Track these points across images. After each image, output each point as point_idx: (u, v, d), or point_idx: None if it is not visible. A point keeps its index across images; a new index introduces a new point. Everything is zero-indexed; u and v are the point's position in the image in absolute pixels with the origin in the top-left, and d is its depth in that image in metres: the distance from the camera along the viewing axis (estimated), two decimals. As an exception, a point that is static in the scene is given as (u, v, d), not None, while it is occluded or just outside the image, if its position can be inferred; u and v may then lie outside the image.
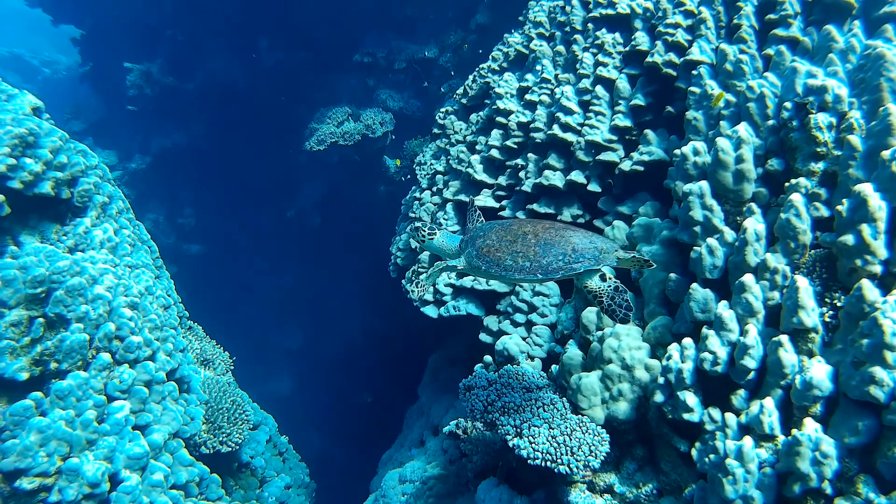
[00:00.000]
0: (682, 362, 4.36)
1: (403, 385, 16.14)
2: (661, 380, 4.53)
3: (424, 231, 4.75)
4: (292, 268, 19.18)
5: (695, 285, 4.59)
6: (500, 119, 6.99)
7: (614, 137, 6.13)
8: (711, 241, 4.59)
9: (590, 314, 5.41)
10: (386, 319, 17.76)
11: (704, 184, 4.73)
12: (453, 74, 14.62)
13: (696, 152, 5.04)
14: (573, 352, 5.35)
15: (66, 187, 6.10)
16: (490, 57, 8.19)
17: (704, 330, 4.32)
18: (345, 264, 18.18)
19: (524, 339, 6.16)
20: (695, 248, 4.73)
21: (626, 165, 5.97)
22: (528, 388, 5.31)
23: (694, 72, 5.67)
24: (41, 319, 4.97)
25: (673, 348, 4.51)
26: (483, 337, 6.57)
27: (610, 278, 4.35)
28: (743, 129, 4.75)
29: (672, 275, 4.94)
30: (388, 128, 14.18)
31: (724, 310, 4.27)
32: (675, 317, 4.95)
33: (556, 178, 6.24)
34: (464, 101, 8.08)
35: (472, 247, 4.55)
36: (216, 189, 19.02)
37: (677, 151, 5.24)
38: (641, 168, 5.88)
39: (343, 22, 16.16)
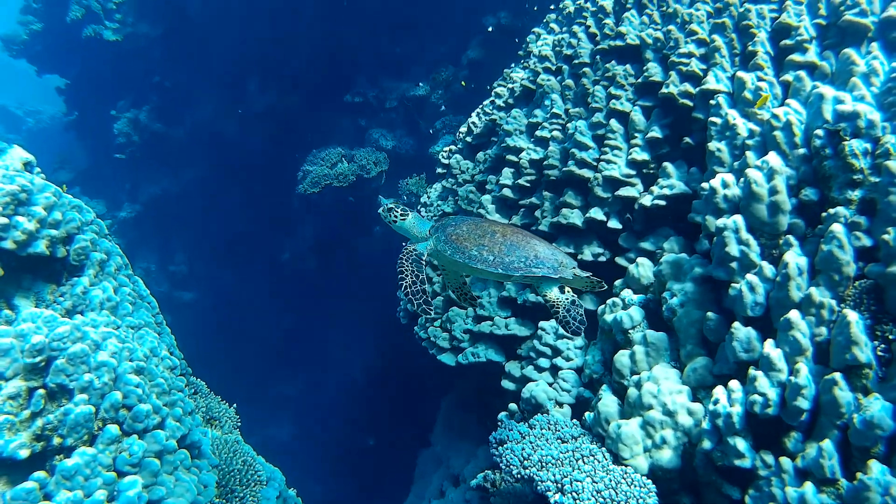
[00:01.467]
0: (731, 406, 4.13)
1: (408, 427, 15.87)
2: (706, 424, 4.28)
3: (397, 212, 4.96)
4: (288, 312, 18.85)
5: (736, 325, 4.36)
6: (510, 157, 6.78)
7: (632, 172, 5.92)
8: (752, 277, 4.36)
9: (622, 358, 5.17)
10: (387, 360, 17.52)
11: (739, 218, 4.52)
12: (445, 111, 14.49)
13: (725, 185, 4.83)
14: (608, 398, 5.10)
15: (61, 245, 5.82)
16: (493, 93, 8.01)
17: (752, 371, 4.09)
18: (342, 307, 17.88)
19: (550, 384, 5.90)
20: (733, 285, 4.51)
21: (647, 200, 5.76)
22: (563, 439, 5.05)
23: (712, 101, 5.49)
24: (42, 391, 4.66)
25: (719, 392, 4.27)
26: (506, 384, 6.31)
27: (568, 291, 4.63)
28: (774, 159, 4.56)
29: (710, 314, 4.70)
30: (382, 167, 13.99)
31: (771, 349, 4.05)
32: (715, 357, 4.71)
33: (574, 217, 6.02)
34: (469, 139, 7.88)
35: (441, 232, 4.79)
36: (208, 235, 18.75)
37: (705, 185, 5.04)
38: (664, 203, 5.67)
39: (332, 63, 16.05)
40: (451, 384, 8.34)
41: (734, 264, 4.51)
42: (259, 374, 19.26)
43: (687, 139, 5.80)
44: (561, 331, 6.02)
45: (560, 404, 5.78)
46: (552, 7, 9.89)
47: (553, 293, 4.61)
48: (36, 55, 19.02)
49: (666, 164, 5.78)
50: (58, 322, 4.79)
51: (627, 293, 5.61)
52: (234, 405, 7.94)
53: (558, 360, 5.99)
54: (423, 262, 4.81)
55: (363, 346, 18.29)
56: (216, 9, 16.05)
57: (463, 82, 9.93)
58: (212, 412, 7.45)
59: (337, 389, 18.83)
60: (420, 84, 14.86)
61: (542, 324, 6.14)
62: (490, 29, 13.06)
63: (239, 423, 7.95)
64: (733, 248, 4.50)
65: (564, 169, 6.11)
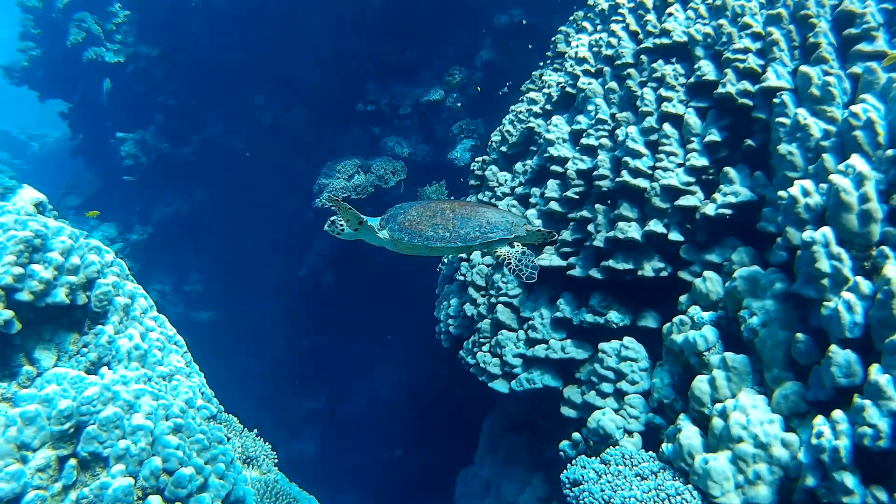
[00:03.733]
0: (837, 438, 3.71)
1: (439, 439, 15.55)
2: (805, 457, 3.87)
3: (340, 223, 5.12)
4: (308, 327, 18.52)
5: (834, 348, 3.93)
6: (555, 168, 6.32)
7: (691, 179, 5.48)
8: (849, 295, 3.92)
9: (701, 384, 4.74)
10: (414, 373, 17.27)
11: (828, 231, 4.09)
12: (461, 115, 14.09)
13: (805, 193, 4.40)
14: (689, 429, 4.68)
15: (81, 292, 5.42)
16: (525, 99, 7.57)
17: (858, 400, 3.67)
18: (362, 320, 17.55)
19: (616, 411, 5.49)
20: (825, 304, 4.08)
21: (710, 210, 5.32)
22: (642, 476, 4.64)
23: (775, 100, 5.06)
24: (73, 460, 4.27)
25: (821, 424, 3.84)
26: (566, 411, 5.90)
27: (517, 245, 4.97)
28: (861, 163, 4.14)
29: (799, 335, 4.26)
30: (400, 176, 13.58)
31: (878, 375, 3.62)
32: (807, 382, 4.28)
33: (632, 231, 5.57)
34: (504, 149, 7.42)
35: (393, 222, 5.01)
36: (222, 253, 18.45)
37: (783, 193, 4.60)
38: (729, 212, 5.23)
39: (340, 72, 15.65)
40: (490, 401, 7.91)
41: (825, 281, 4.08)
42: (280, 389, 18.99)
43: (748, 141, 5.36)
44: (624, 353, 5.62)
45: (630, 433, 5.37)
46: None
47: (503, 249, 4.96)
48: (37, 81, 18.73)
49: (727, 169, 5.34)
50: (86, 383, 4.41)
51: (695, 310, 5.19)
52: (262, 439, 7.60)
53: (623, 385, 5.57)
54: (370, 227, 5.01)
55: (387, 358, 18.00)
56: (218, 24, 15.68)
57: (478, 88, 9.54)
58: (248, 451, 7.09)
59: (362, 402, 18.55)
60: (434, 88, 14.44)
61: (602, 346, 5.72)
62: (519, 20, 12.60)
63: (276, 460, 7.62)
64: (824, 264, 4.06)
65: (618, 179, 5.66)
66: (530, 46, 8.97)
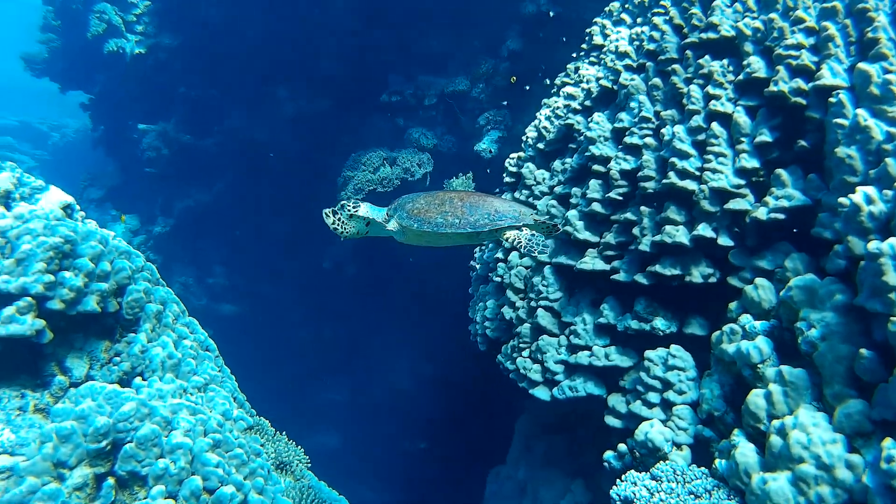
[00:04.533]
0: (912, 464, 3.53)
1: (461, 429, 15.44)
2: (870, 481, 3.68)
3: (349, 206, 5.16)
4: (330, 319, 18.43)
5: (905, 365, 3.74)
6: (596, 167, 6.09)
7: (741, 181, 5.25)
8: (920, 310, 3.73)
9: (757, 399, 4.54)
10: (435, 363, 17.18)
11: (897, 241, 3.88)
12: (487, 106, 13.87)
13: (869, 200, 4.18)
14: (745, 446, 4.49)
15: (112, 298, 5.30)
16: (562, 94, 7.33)
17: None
18: (385, 313, 17.44)
19: (664, 422, 5.30)
20: (892, 318, 3.86)
21: (761, 214, 5.09)
22: (696, 494, 4.46)
23: (831, 99, 4.82)
24: (111, 479, 4.15)
25: (892, 447, 3.65)
26: (610, 421, 5.71)
27: (525, 230, 5.05)
28: (932, 167, 3.92)
29: (864, 351, 4.05)
30: (426, 168, 13.40)
31: (954, 395, 3.44)
32: (872, 400, 4.08)
33: (680, 235, 5.36)
34: (540, 146, 7.19)
35: (401, 210, 5.10)
36: (245, 246, 18.35)
37: (843, 200, 4.36)
38: (782, 216, 5.01)
39: (363, 62, 15.46)
40: (519, 395, 7.74)
41: (893, 295, 3.87)
42: (303, 382, 18.97)
43: (801, 142, 5.12)
44: (671, 361, 5.43)
45: (678, 446, 5.19)
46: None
47: (512, 232, 5.03)
48: (58, 73, 18.70)
49: (779, 171, 5.12)
50: (122, 398, 4.27)
51: (747, 318, 4.98)
52: (294, 442, 7.48)
53: (670, 395, 5.37)
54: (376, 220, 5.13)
55: (410, 351, 17.91)
56: (238, 15, 15.51)
57: (512, 78, 9.33)
58: (281, 456, 6.96)
59: (384, 395, 18.49)
60: (459, 78, 14.22)
61: (648, 354, 5.52)
62: (547, 10, 12.33)
63: (309, 464, 7.50)
64: (892, 277, 3.85)
65: (664, 181, 5.44)
66: (564, 39, 8.71)
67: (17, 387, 4.90)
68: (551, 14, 10.26)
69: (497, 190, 10.66)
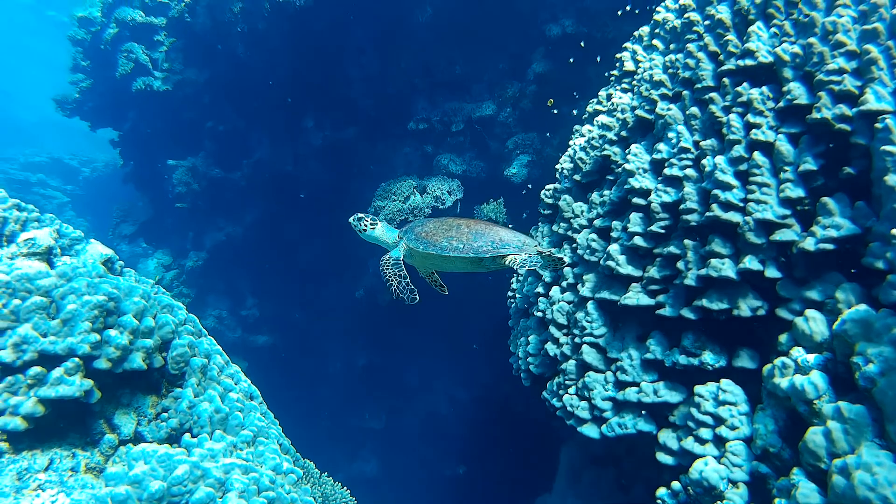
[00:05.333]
0: (983, 508, 3.40)
1: (499, 454, 15.35)
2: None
3: (367, 221, 5.73)
4: (365, 347, 18.44)
5: (972, 404, 3.62)
6: (637, 200, 6.00)
7: (787, 211, 5.14)
8: None
9: (816, 437, 4.42)
10: (469, 390, 17.16)
11: (959, 273, 3.78)
12: (515, 129, 13.84)
13: (927, 231, 4.08)
14: (806, 486, 4.36)
15: (157, 354, 5.31)
16: (596, 123, 7.26)
17: None
18: (419, 338, 17.41)
19: (718, 458, 5.19)
20: (959, 354, 3.75)
21: (809, 244, 4.98)
22: (757, 539, 4.36)
23: (877, 125, 4.71)
24: (167, 544, 4.13)
25: (963, 490, 3.53)
26: (661, 458, 5.60)
27: (524, 255, 5.24)
28: None
29: (929, 387, 3.95)
30: (457, 196, 13.37)
31: None
32: (939, 438, 3.96)
33: (727, 268, 5.25)
34: (577, 177, 7.11)
35: (411, 233, 5.49)
36: (277, 276, 18.44)
37: (896, 231, 4.27)
38: (831, 246, 4.90)
39: (389, 90, 15.52)
40: (555, 418, 7.63)
41: (957, 327, 3.76)
42: (339, 410, 18.99)
43: (847, 169, 5.01)
44: (722, 396, 5.32)
45: (735, 483, 5.07)
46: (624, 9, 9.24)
47: (509, 255, 5.22)
48: (88, 112, 18.99)
49: (825, 199, 5.00)
50: (174, 461, 4.24)
51: (799, 352, 4.87)
52: (340, 484, 7.44)
53: (722, 430, 5.26)
54: (402, 263, 5.57)
55: (446, 377, 17.89)
56: (263, 48, 15.63)
57: (550, 101, 9.30)
58: (328, 500, 6.94)
59: (421, 421, 18.47)
60: (485, 103, 14.21)
61: (698, 389, 5.41)
62: (572, 31, 12.32)
63: (353, 501, 7.48)
64: (955, 309, 3.75)
65: (708, 214, 5.34)
66: (599, 59, 8.65)
67: (68, 446, 4.91)
68: (582, 44, 10.18)
69: (525, 215, 10.64)
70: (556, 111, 11.98)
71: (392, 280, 5.52)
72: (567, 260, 5.13)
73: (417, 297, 5.46)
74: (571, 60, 11.72)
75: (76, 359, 4.70)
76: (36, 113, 53.17)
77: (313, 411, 18.26)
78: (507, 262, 5.27)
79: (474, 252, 5.20)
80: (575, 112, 11.84)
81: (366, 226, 5.82)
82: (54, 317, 4.92)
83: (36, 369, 4.62)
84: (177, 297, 16.23)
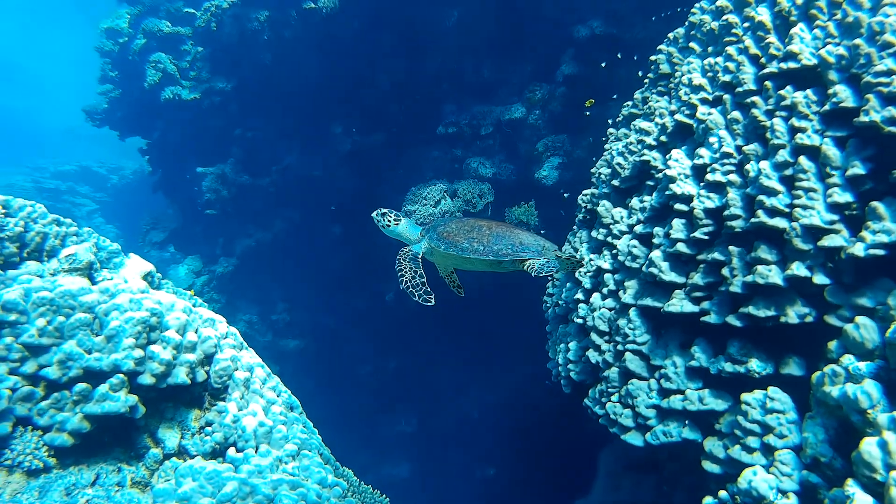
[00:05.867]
0: None
1: (536, 457, 15.32)
2: None
3: (391, 217, 5.96)
4: (395, 351, 18.46)
5: None
6: (679, 206, 5.92)
7: (835, 217, 5.05)
8: None
9: (870, 447, 4.33)
10: (498, 393, 17.11)
11: None
12: (545, 132, 13.78)
13: (982, 235, 3.99)
14: (861, 498, 4.27)
15: (200, 368, 5.33)
16: (633, 127, 7.20)
17: None
18: (450, 342, 17.40)
19: (766, 468, 5.11)
20: None
21: (859, 250, 4.89)
22: (812, 550, 4.29)
23: (928, 127, 4.64)
24: (217, 561, 4.13)
25: None
26: (708, 466, 5.52)
27: (542, 258, 5.42)
28: None
29: None
30: (487, 199, 13.33)
31: None
32: None
33: (774, 275, 5.17)
34: (615, 182, 7.03)
35: (433, 232, 5.67)
36: (306, 282, 18.51)
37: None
38: (882, 252, 4.81)
39: (416, 95, 15.52)
40: (588, 420, 7.56)
41: None
42: (369, 414, 19.03)
43: (896, 173, 4.93)
44: (769, 404, 5.25)
45: (785, 493, 5.00)
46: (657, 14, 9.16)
47: (528, 260, 5.38)
48: (117, 121, 19.16)
49: (875, 203, 4.91)
50: (222, 477, 4.24)
51: (850, 360, 4.77)
52: (379, 492, 7.43)
53: (771, 439, 5.18)
54: (419, 260, 5.77)
55: (477, 380, 17.87)
56: (290, 55, 15.70)
57: (589, 102, 9.24)
58: (369, 508, 6.94)
59: (453, 424, 18.45)
60: (514, 106, 14.16)
61: (745, 397, 5.33)
62: (601, 32, 12.25)
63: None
64: None
65: (753, 220, 5.26)
66: (629, 57, 8.56)
67: (113, 461, 4.94)
68: (619, 56, 10.05)
69: (563, 213, 10.55)
70: (588, 114, 11.90)
71: (406, 273, 5.74)
72: (582, 257, 5.57)
73: (433, 300, 5.65)
74: (603, 65, 11.63)
75: (121, 375, 4.74)
76: (64, 121, 53.90)
77: (342, 414, 18.32)
78: (525, 267, 5.42)
79: (494, 255, 5.32)
80: (609, 117, 11.78)
81: (389, 221, 6.03)
82: (98, 333, 4.95)
83: (81, 386, 4.66)
84: (207, 302, 16.31)
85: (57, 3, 58.03)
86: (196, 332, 5.40)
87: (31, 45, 68.69)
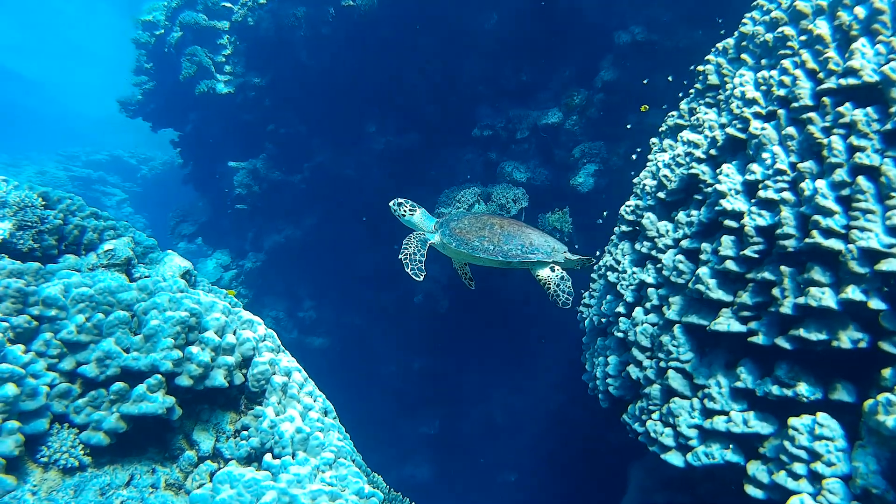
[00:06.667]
0: None
1: (562, 465, 15.21)
2: None
3: (406, 207, 6.14)
4: (421, 353, 18.38)
5: None
6: (729, 223, 5.77)
7: (894, 240, 4.90)
8: None
9: (928, 482, 4.21)
10: (523, 398, 17.05)
11: None
12: (581, 138, 13.62)
13: None
14: (919, 535, 4.16)
15: (238, 371, 5.27)
16: (680, 139, 7.05)
17: None
18: (476, 345, 17.30)
19: (813, 496, 4.97)
20: None
21: (918, 274, 4.75)
22: (864, 588, 4.15)
23: None
24: (254, 570, 4.06)
25: None
26: (751, 490, 5.37)
27: (558, 269, 5.57)
28: None
29: None
30: (522, 204, 13.19)
31: None
32: None
33: (827, 298, 5.01)
34: (661, 195, 6.88)
35: (446, 227, 5.74)
36: (334, 280, 18.49)
37: None
38: (944, 277, 4.66)
39: (452, 96, 15.42)
40: (631, 444, 7.42)
41: None
42: (392, 414, 19.00)
43: (960, 194, 4.77)
44: (818, 430, 5.10)
45: (832, 524, 4.85)
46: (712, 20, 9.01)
47: (544, 272, 5.50)
48: (150, 113, 19.28)
49: (936, 226, 4.77)
50: (261, 486, 4.16)
51: (905, 387, 4.64)
52: (408, 500, 7.36)
53: (819, 466, 5.03)
54: (427, 245, 5.76)
55: (503, 385, 17.79)
56: (326, 52, 15.65)
57: (644, 107, 9.07)
58: (398, 514, 6.87)
59: (476, 428, 18.38)
60: (551, 111, 14.00)
61: (792, 422, 5.19)
62: (642, 38, 12.11)
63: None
64: None
65: (807, 240, 5.11)
66: (670, 79, 8.39)
67: (147, 462, 4.90)
68: (670, 79, 9.82)
69: (600, 221, 10.43)
70: (629, 126, 11.74)
71: (410, 248, 5.73)
72: (595, 261, 5.55)
73: (422, 276, 5.65)
74: (646, 82, 11.45)
75: (159, 375, 4.70)
76: (96, 109, 54.48)
77: (365, 412, 18.31)
78: (541, 283, 5.57)
79: (503, 255, 5.41)
80: (647, 125, 11.59)
81: (405, 211, 6.19)
82: (137, 332, 4.92)
83: (119, 385, 4.62)
84: (235, 296, 16.35)
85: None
86: (235, 333, 5.34)
87: (67, 36, 69.55)
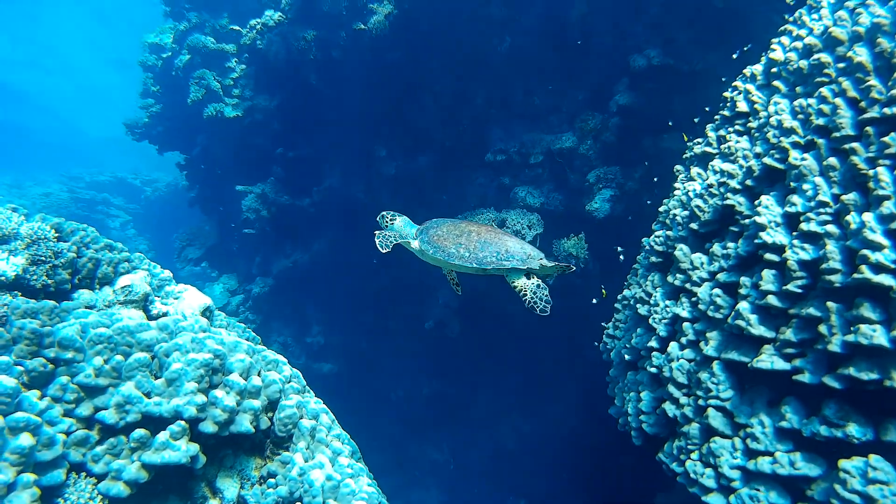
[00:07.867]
0: None
1: (566, 491, 15.00)
2: None
3: (388, 218, 6.44)
4: (431, 377, 18.15)
5: None
6: (769, 256, 5.58)
7: (946, 275, 4.70)
8: None
9: None
10: (535, 424, 16.81)
11: None
12: (596, 162, 13.45)
13: None
14: None
15: (264, 415, 5.06)
16: (710, 168, 6.86)
17: None
18: (487, 370, 17.09)
19: (867, 545, 4.74)
20: None
21: (976, 312, 4.54)
22: None
23: None
24: None
25: None
26: (797, 537, 5.16)
27: (534, 278, 5.45)
28: None
29: None
30: (537, 230, 12.97)
31: None
32: None
33: (879, 336, 4.80)
34: (693, 226, 6.67)
35: (425, 234, 5.84)
36: (343, 305, 18.25)
37: None
38: None
39: (464, 120, 15.26)
40: (661, 476, 7.17)
41: None
42: (401, 439, 18.77)
43: None
44: (871, 474, 4.87)
45: (888, 573, 4.63)
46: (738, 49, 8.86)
47: (520, 280, 5.42)
48: (157, 135, 19.16)
49: None
50: (294, 541, 3.96)
51: (963, 428, 4.43)
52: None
53: (872, 513, 4.81)
54: (406, 242, 6.05)
55: (514, 410, 17.58)
56: (336, 76, 15.51)
57: (685, 137, 8.89)
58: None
59: (485, 454, 18.16)
60: (565, 135, 13.84)
61: (843, 464, 4.96)
62: (658, 62, 11.96)
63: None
64: None
65: (855, 275, 4.90)
66: (708, 109, 8.15)
67: (169, 510, 4.69)
68: (695, 120, 9.52)
69: (620, 250, 10.23)
70: (670, 123, 11.50)
71: (381, 239, 5.98)
72: (573, 268, 5.51)
73: (386, 250, 5.88)
74: (670, 123, 11.29)
75: (182, 422, 4.48)
76: (100, 129, 54.58)
77: (373, 437, 18.07)
78: (518, 292, 5.49)
79: (478, 263, 5.39)
80: (663, 149, 11.44)
81: (387, 221, 6.47)
82: (158, 375, 4.71)
83: (140, 432, 4.41)
84: (243, 322, 16.12)
85: (105, 14, 59.05)
86: (260, 374, 5.14)
87: (77, 56, 69.86)
